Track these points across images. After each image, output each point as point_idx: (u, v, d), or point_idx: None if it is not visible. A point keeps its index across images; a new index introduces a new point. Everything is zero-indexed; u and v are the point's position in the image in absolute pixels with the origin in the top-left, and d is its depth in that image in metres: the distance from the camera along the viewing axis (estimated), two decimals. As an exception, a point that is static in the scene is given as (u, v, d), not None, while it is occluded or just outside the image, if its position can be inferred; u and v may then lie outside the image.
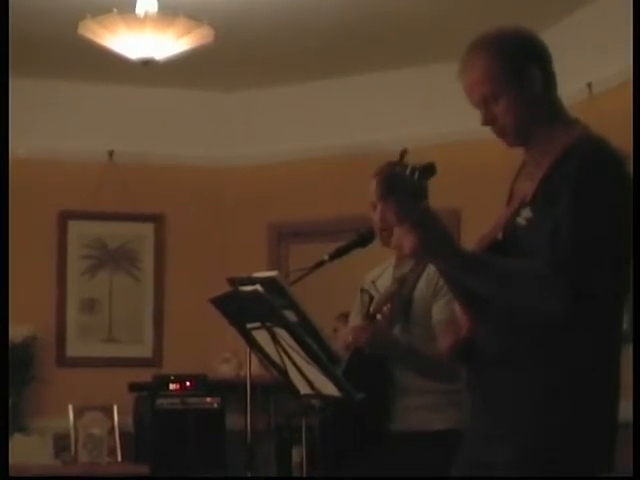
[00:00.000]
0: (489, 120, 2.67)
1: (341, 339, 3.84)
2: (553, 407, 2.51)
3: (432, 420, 3.58)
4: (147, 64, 5.45)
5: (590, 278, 2.46)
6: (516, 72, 2.63)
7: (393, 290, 3.59)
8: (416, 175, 2.44)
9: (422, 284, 3.63)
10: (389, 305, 3.58)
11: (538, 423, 2.52)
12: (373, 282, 3.73)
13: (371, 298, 3.60)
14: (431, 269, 3.55)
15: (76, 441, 6.74)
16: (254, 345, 3.48)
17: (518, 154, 2.79)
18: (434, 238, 2.46)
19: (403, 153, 2.50)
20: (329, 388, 3.35)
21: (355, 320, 3.96)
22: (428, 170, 2.46)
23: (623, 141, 3.16)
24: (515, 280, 2.51)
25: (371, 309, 3.56)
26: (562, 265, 2.44)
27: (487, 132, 2.86)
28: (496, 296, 2.54)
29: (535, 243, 2.52)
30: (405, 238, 2.47)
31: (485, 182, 6.49)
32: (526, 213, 2.58)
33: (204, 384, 6.89)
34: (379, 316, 3.56)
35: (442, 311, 3.58)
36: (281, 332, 3.29)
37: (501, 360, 2.58)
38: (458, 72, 2.70)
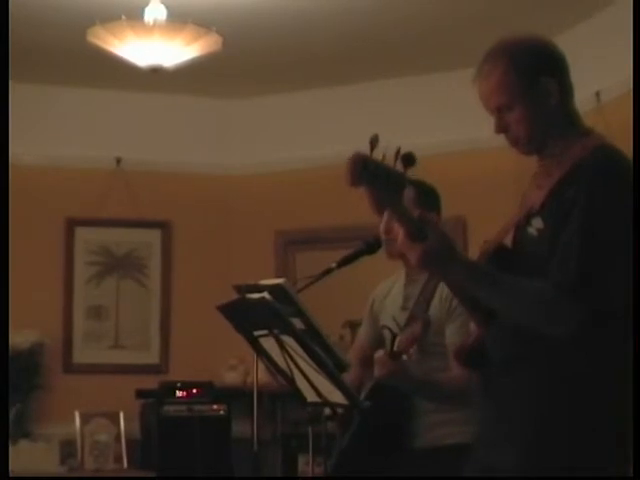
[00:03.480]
0: (502, 128, 2.66)
1: (357, 350, 3.86)
2: (560, 411, 2.51)
3: (452, 434, 3.56)
4: (155, 71, 5.46)
5: (599, 301, 2.45)
6: (532, 84, 2.61)
7: (417, 331, 3.52)
8: (392, 162, 2.39)
9: (435, 302, 3.59)
10: (415, 347, 3.54)
11: (545, 427, 2.52)
12: (394, 317, 3.69)
13: (394, 335, 3.55)
14: (444, 289, 3.54)
15: (82, 447, 6.74)
16: (261, 352, 3.48)
17: (525, 162, 2.79)
18: (440, 248, 2.45)
19: (374, 140, 2.42)
20: (336, 396, 3.35)
21: (365, 332, 3.95)
22: (406, 158, 2.41)
23: (632, 150, 3.15)
24: (523, 299, 2.50)
25: (395, 347, 3.49)
26: (572, 288, 2.42)
27: (493, 141, 2.86)
28: (503, 312, 2.54)
29: (544, 256, 2.51)
30: (410, 248, 2.47)
31: (491, 190, 6.49)
32: (537, 223, 2.57)
33: (210, 391, 6.89)
34: (405, 356, 3.51)
35: (456, 334, 3.52)
36: (288, 339, 3.29)
37: (508, 365, 2.58)
38: (474, 78, 2.69)
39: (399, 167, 2.39)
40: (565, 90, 2.67)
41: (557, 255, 2.48)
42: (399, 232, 2.47)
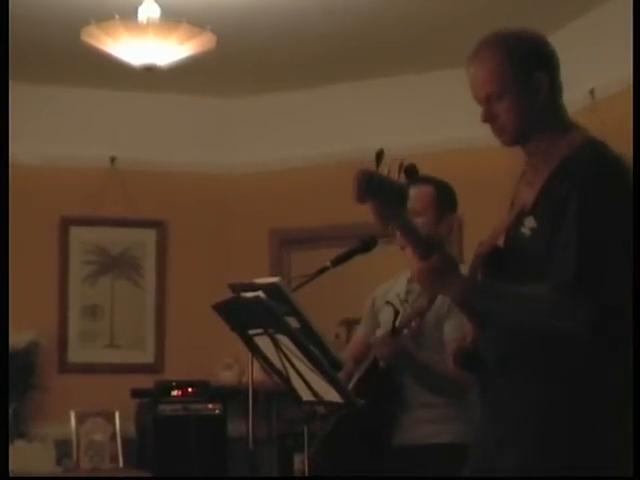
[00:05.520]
0: (489, 117, 2.66)
1: (353, 348, 3.85)
2: (560, 412, 2.51)
3: (437, 433, 3.56)
4: (150, 70, 5.46)
5: (604, 295, 2.44)
6: (523, 76, 2.62)
7: (423, 305, 3.48)
8: (397, 177, 2.41)
9: (438, 299, 3.56)
10: (418, 320, 3.52)
11: (545, 427, 2.52)
12: (398, 295, 3.67)
13: (397, 312, 3.53)
14: None
15: (78, 447, 6.73)
16: (256, 351, 3.48)
17: (521, 161, 2.79)
18: (442, 269, 2.48)
19: (379, 155, 2.45)
20: (331, 395, 3.35)
21: (364, 331, 3.93)
22: (409, 171, 2.43)
23: (627, 148, 3.15)
24: (528, 306, 2.51)
25: (397, 323, 3.48)
26: (573, 288, 2.42)
27: (490, 139, 2.86)
28: (510, 322, 2.54)
29: (539, 255, 2.51)
30: (414, 263, 2.48)
31: (487, 188, 6.48)
32: (530, 223, 2.57)
33: (206, 390, 6.89)
34: (406, 331, 3.50)
35: (454, 330, 3.51)
36: (283, 339, 3.29)
37: (506, 367, 2.59)
38: (466, 65, 2.69)
39: (402, 179, 2.42)
40: (555, 86, 2.68)
41: (555, 256, 2.47)
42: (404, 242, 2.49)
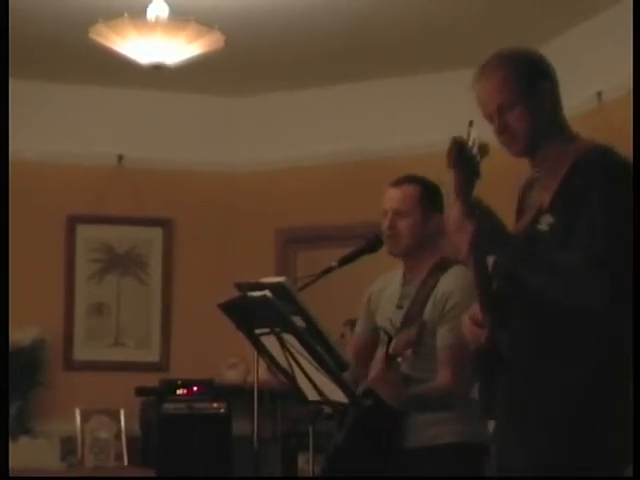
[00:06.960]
0: (502, 129, 2.73)
1: (354, 347, 3.86)
2: (571, 411, 2.54)
3: (441, 434, 3.55)
4: (158, 69, 5.47)
5: (627, 273, 2.50)
6: (531, 85, 2.72)
7: (412, 337, 3.43)
8: (474, 150, 2.48)
9: (430, 304, 3.57)
10: (410, 350, 3.48)
11: (555, 427, 2.55)
12: (390, 320, 3.65)
13: (389, 338, 3.51)
14: (439, 291, 3.55)
15: (83, 445, 6.74)
16: (262, 350, 3.49)
17: (520, 161, 2.82)
18: (491, 229, 2.54)
19: (470, 126, 2.52)
20: (337, 394, 3.35)
21: (361, 327, 3.92)
22: (483, 149, 2.50)
23: (632, 149, 3.16)
24: (564, 272, 2.54)
25: (390, 350, 3.40)
26: (603, 261, 2.48)
27: (492, 139, 2.87)
28: (544, 286, 2.56)
29: (560, 244, 2.57)
30: (462, 232, 2.53)
31: (490, 188, 6.48)
32: (547, 219, 2.64)
33: (211, 389, 6.89)
34: (400, 359, 3.46)
35: (446, 336, 3.50)
36: (289, 338, 3.30)
37: (519, 366, 2.61)
38: (473, 82, 2.78)
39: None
40: (557, 96, 2.78)
41: (578, 239, 2.53)
42: (454, 211, 2.55)
